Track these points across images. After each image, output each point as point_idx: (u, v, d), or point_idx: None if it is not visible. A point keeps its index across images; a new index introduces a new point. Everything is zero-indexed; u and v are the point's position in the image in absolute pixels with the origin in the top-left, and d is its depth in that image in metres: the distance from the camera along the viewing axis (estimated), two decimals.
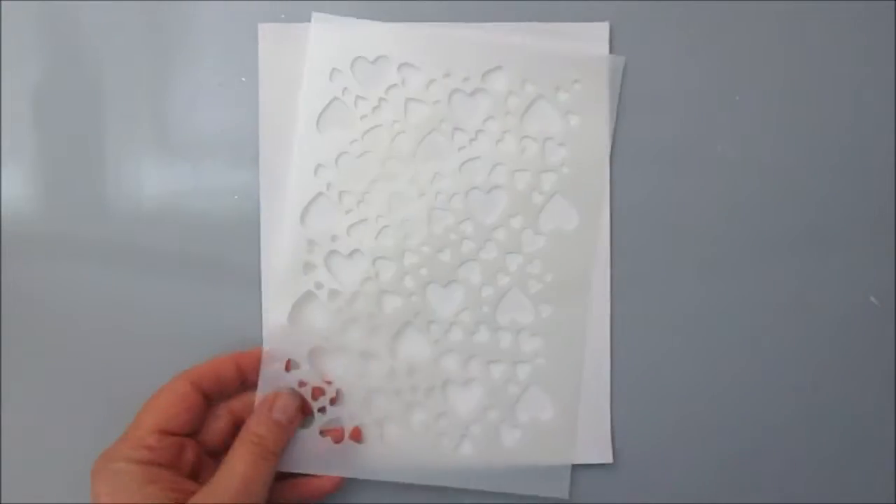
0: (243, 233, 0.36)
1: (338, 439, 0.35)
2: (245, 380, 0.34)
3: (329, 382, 0.35)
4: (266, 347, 0.35)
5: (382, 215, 0.36)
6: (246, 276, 0.36)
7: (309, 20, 0.36)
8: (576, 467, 0.36)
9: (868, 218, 0.37)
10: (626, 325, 0.37)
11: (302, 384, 0.35)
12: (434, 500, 0.36)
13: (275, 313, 0.35)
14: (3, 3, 0.36)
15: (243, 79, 0.36)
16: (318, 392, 0.35)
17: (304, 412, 0.35)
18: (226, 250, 0.36)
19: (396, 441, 0.36)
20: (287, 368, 0.35)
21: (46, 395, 0.37)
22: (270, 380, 0.35)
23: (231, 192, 0.36)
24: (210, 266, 0.37)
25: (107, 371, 0.37)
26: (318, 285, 0.36)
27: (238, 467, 0.30)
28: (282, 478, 0.34)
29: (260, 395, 0.34)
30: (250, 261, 0.36)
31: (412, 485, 0.36)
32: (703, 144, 0.37)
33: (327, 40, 0.35)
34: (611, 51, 0.36)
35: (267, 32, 0.36)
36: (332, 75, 0.36)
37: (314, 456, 0.35)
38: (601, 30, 0.36)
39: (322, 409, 0.35)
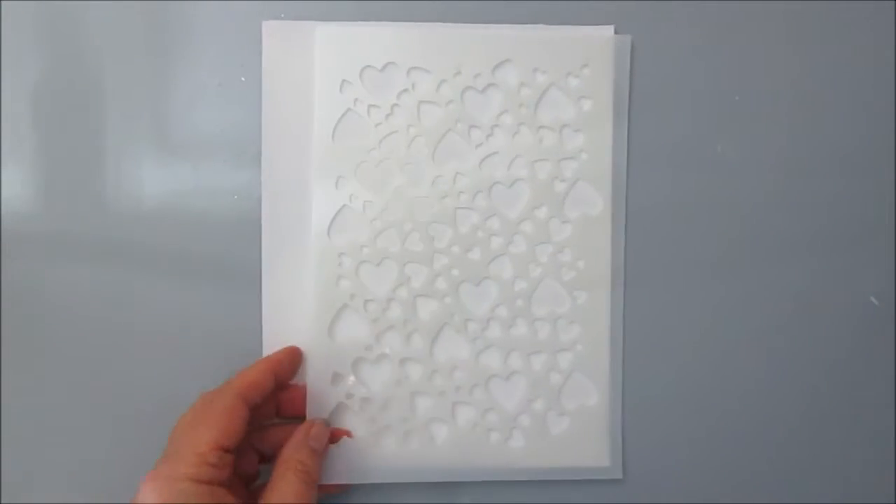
0: (243, 233, 0.36)
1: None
2: (280, 386, 0.34)
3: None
4: (310, 364, 0.35)
5: (408, 220, 0.36)
6: (246, 276, 0.36)
7: (308, 19, 0.36)
8: (577, 469, 0.36)
9: (868, 218, 0.37)
10: (624, 324, 0.37)
11: (349, 396, 0.35)
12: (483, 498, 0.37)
13: (315, 330, 0.35)
14: (3, 3, 0.36)
15: (243, 79, 0.36)
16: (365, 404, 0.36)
17: (331, 440, 0.35)
18: (226, 250, 0.36)
19: (446, 441, 0.36)
20: (332, 383, 0.35)
21: (46, 395, 0.36)
22: (318, 396, 0.35)
23: (231, 192, 0.36)
24: (210, 266, 0.36)
25: (107, 371, 0.36)
26: (352, 297, 0.35)
27: (290, 496, 0.30)
28: None
29: (309, 413, 0.35)
30: (250, 261, 0.36)
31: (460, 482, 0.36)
32: (703, 144, 0.37)
33: (334, 52, 0.35)
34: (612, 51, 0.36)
35: (271, 30, 0.36)
36: (342, 87, 0.35)
37: (368, 465, 0.35)
38: (606, 31, 0.36)
39: (372, 419, 0.35)
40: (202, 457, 0.29)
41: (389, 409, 0.36)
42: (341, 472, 0.35)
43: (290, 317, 0.36)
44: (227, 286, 0.36)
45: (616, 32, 0.36)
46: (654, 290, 0.37)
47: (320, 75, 0.35)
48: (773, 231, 0.37)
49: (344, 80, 0.35)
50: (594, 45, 0.36)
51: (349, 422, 0.35)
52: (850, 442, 0.38)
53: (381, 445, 0.35)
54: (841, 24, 0.37)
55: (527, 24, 0.36)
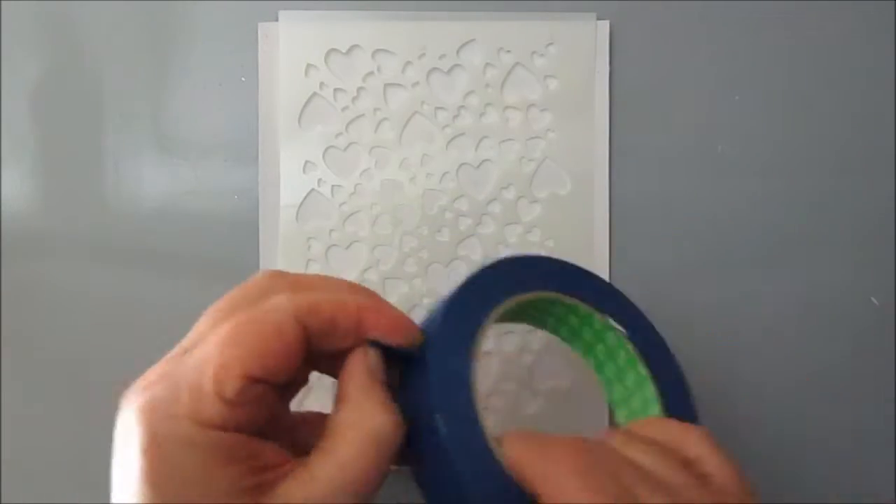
0: (243, 233, 0.36)
1: None
2: (358, 340, 0.24)
3: None
4: None
5: (376, 203, 0.36)
6: (246, 277, 0.36)
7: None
8: None
9: (868, 218, 0.37)
10: None
11: (320, 377, 0.35)
12: None
13: None
14: (3, 3, 0.36)
15: (243, 79, 0.36)
16: None
17: None
18: (226, 250, 0.36)
19: None
20: None
21: (46, 395, 0.37)
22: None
23: (231, 192, 0.36)
24: (210, 266, 0.36)
25: (107, 371, 0.36)
26: None
27: (352, 457, 0.21)
28: None
29: None
30: (250, 261, 0.36)
31: None
32: (703, 144, 0.37)
33: (298, 36, 0.36)
34: (611, 51, 0.36)
35: (267, 32, 0.36)
36: (307, 71, 0.36)
37: None
38: (588, 18, 0.36)
39: None
40: (218, 386, 0.20)
41: None
42: None
43: None
44: (227, 286, 0.36)
45: (612, 30, 0.36)
46: (651, 290, 0.37)
47: (285, 60, 0.36)
48: (772, 231, 0.37)
49: (309, 65, 0.36)
50: (559, 22, 0.36)
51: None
52: (850, 442, 0.38)
53: None
54: (841, 24, 0.37)
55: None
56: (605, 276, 0.36)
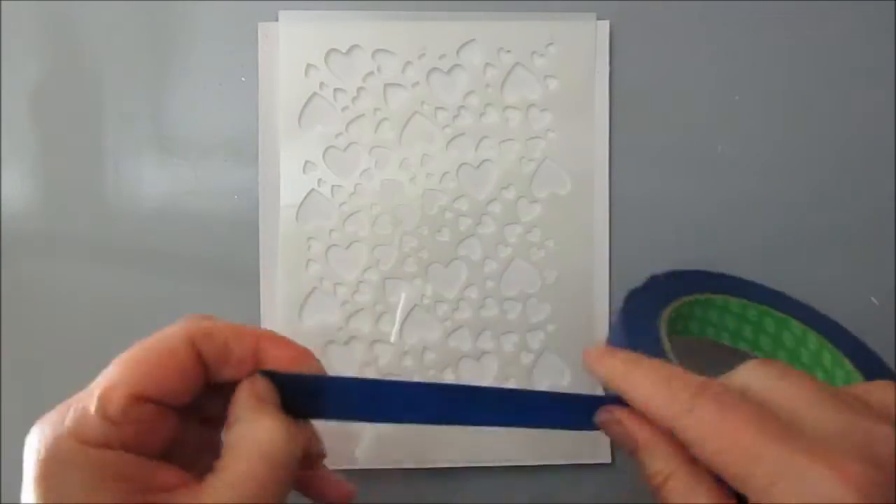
0: (243, 233, 0.36)
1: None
2: (258, 367, 0.24)
3: None
4: None
5: (376, 203, 0.36)
6: (246, 276, 0.36)
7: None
8: (575, 466, 0.36)
9: (868, 217, 0.37)
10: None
11: None
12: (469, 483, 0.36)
13: (285, 313, 0.36)
14: (3, 3, 0.36)
15: (243, 79, 0.36)
16: None
17: None
18: (226, 250, 0.36)
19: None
20: None
21: (46, 395, 0.36)
22: None
23: (231, 192, 0.36)
24: (210, 266, 0.37)
25: None
26: (322, 280, 0.36)
27: (243, 476, 0.21)
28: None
29: None
30: (250, 261, 0.36)
31: (441, 469, 0.36)
32: (703, 144, 0.37)
33: (298, 36, 0.36)
34: (611, 51, 0.36)
35: (267, 32, 0.36)
36: (307, 71, 0.36)
37: (338, 450, 0.35)
38: (588, 18, 0.36)
39: None
40: (101, 407, 0.21)
41: None
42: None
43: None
44: (227, 286, 0.36)
45: (612, 30, 0.36)
46: None
47: (285, 60, 0.36)
48: (772, 231, 0.37)
49: (309, 65, 0.36)
50: (559, 22, 0.36)
51: None
52: None
53: (351, 428, 0.35)
54: (841, 24, 0.37)
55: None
56: (604, 275, 0.36)
